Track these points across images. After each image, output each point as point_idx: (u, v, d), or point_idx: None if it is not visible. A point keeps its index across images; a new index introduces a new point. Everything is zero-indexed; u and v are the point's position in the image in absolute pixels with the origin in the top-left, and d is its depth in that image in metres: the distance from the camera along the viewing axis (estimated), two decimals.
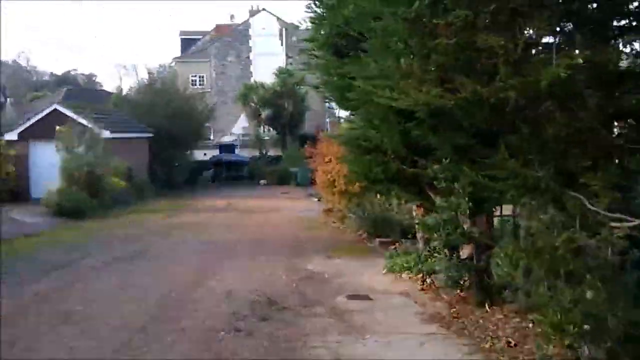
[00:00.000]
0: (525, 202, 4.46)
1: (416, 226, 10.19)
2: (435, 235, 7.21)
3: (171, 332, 6.34)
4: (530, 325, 6.26)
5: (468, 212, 6.91)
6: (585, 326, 4.39)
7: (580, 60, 4.19)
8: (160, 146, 26.24)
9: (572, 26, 4.92)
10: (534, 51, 4.78)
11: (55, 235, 13.70)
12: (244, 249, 11.78)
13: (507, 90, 4.21)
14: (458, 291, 7.75)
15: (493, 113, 4.60)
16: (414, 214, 10.28)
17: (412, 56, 5.00)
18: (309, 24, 8.36)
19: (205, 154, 32.95)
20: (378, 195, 14.64)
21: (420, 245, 9.86)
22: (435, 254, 9.17)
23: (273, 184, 29.01)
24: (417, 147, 6.86)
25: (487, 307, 7.03)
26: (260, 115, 32.35)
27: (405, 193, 8.80)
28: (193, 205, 20.91)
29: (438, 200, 7.52)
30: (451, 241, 7.27)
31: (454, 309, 7.29)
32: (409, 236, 12.40)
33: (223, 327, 6.46)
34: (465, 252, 8.03)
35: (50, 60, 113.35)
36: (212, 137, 36.14)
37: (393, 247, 11.32)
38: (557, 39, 4.68)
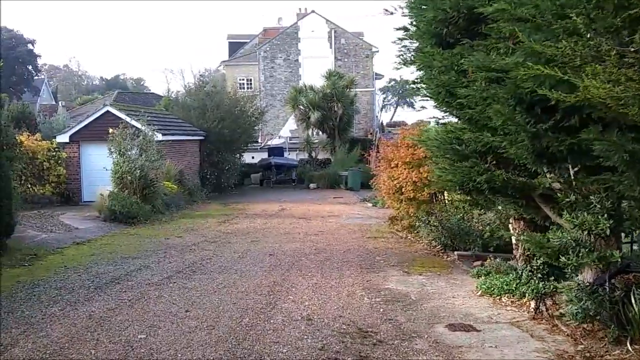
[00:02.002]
0: None
1: (514, 241, 8.95)
2: (563, 258, 5.98)
3: None
4: None
5: (608, 231, 5.70)
6: None
7: None
8: (210, 149, 25.84)
9: None
10: None
11: (108, 243, 12.96)
12: (310, 261, 10.76)
13: None
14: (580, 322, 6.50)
15: None
16: (511, 227, 9.02)
17: (588, 34, 3.82)
18: (405, 10, 7.18)
19: (253, 157, 32.46)
20: (445, 203, 13.48)
21: (519, 263, 8.62)
22: (539, 274, 7.99)
23: (323, 188, 28.25)
24: (545, 153, 5.65)
25: (628, 345, 5.78)
26: (309, 118, 31.49)
27: (511, 205, 7.57)
28: (245, 209, 20.13)
29: (564, 217, 6.29)
30: (582, 266, 6.05)
31: (582, 346, 6.07)
32: (491, 249, 11.19)
33: None
34: (586, 275, 6.78)
35: (100, 64, 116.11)
36: (260, 140, 35.47)
37: (479, 262, 10.12)
38: None
